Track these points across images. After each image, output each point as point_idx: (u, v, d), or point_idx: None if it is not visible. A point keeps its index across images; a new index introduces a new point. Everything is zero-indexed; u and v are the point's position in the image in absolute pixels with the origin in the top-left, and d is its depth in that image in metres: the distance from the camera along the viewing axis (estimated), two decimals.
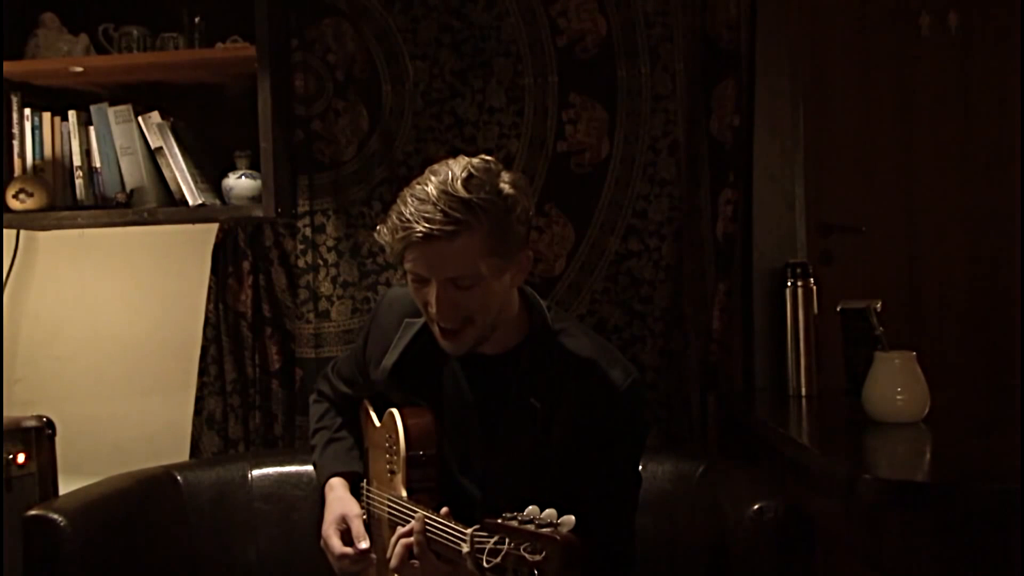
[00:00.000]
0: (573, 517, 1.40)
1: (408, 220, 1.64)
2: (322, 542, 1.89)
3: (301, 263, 2.64)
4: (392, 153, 2.64)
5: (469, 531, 1.48)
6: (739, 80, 2.58)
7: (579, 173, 2.60)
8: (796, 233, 2.68)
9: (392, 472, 1.82)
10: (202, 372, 2.68)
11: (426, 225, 1.62)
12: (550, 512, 1.42)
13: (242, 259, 2.67)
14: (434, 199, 1.63)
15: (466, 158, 1.70)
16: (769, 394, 2.60)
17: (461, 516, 1.58)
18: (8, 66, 2.56)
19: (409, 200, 1.66)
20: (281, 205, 2.53)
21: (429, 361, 1.83)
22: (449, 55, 2.62)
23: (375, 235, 1.75)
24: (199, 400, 2.69)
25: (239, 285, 2.67)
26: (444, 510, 1.62)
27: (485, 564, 1.42)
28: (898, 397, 2.09)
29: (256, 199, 2.54)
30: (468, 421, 1.81)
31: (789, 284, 2.57)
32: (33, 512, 2.00)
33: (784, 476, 2.06)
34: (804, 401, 2.52)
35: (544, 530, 1.39)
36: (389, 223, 1.68)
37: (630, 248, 2.60)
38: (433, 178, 1.66)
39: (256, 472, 2.35)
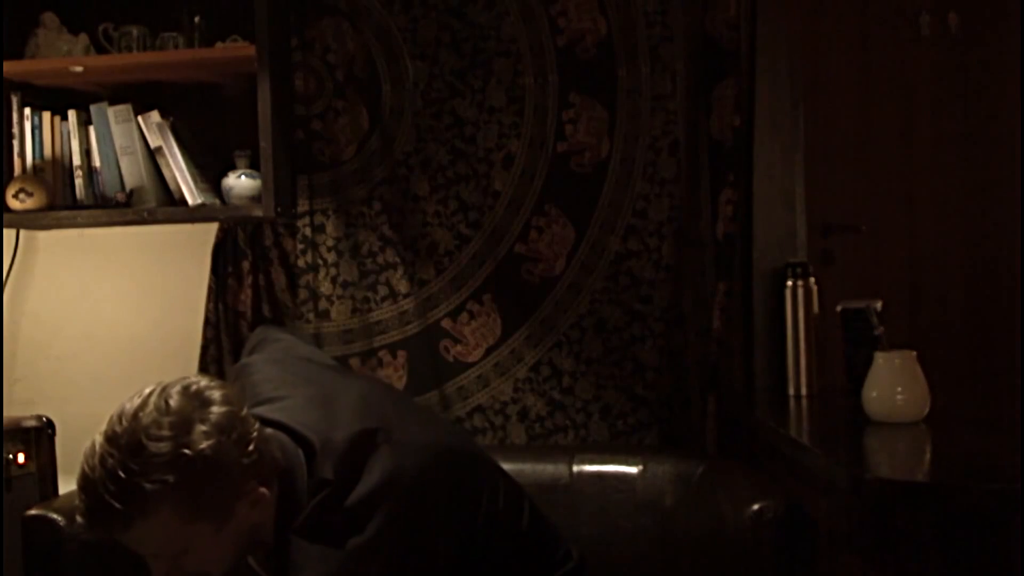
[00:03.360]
0: None
1: (83, 514, 1.49)
2: None
3: (301, 263, 2.64)
4: (392, 153, 2.64)
5: None
6: (739, 80, 2.57)
7: (579, 173, 2.60)
8: (796, 233, 2.68)
9: None
10: (202, 372, 2.68)
11: (98, 512, 1.46)
12: None
13: (242, 259, 2.67)
14: (104, 477, 1.45)
15: (149, 411, 1.49)
16: (769, 394, 2.60)
17: None
18: (8, 66, 2.56)
19: (83, 471, 1.50)
20: (281, 205, 2.53)
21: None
22: (449, 55, 2.62)
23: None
24: None
25: (239, 285, 2.67)
26: None
27: None
28: (898, 397, 2.09)
29: (256, 199, 2.54)
30: None
31: (789, 284, 2.57)
32: (33, 512, 2.01)
33: (784, 476, 2.06)
34: (804, 401, 2.51)
35: None
36: (77, 503, 1.53)
37: (630, 248, 2.60)
38: (106, 447, 1.48)
39: None
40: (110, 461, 1.44)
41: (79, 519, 1.50)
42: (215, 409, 1.49)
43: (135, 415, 1.48)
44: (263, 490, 1.54)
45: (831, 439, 2.19)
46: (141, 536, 1.47)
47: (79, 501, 1.51)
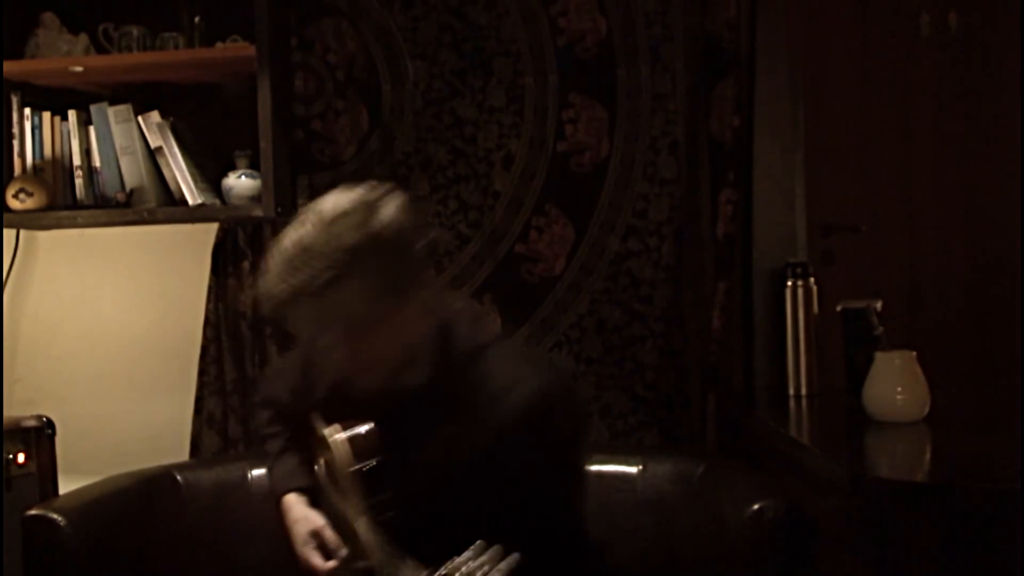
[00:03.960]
0: (516, 555, 1.38)
1: (273, 285, 1.53)
2: (301, 564, 1.84)
3: None
4: (392, 153, 2.64)
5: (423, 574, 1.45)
6: (739, 80, 2.57)
7: (579, 173, 2.60)
8: (796, 233, 2.68)
9: (339, 487, 1.76)
10: (202, 372, 2.68)
11: (294, 282, 1.50)
12: (489, 555, 1.40)
13: (242, 259, 2.67)
14: (301, 250, 1.52)
15: (338, 196, 1.58)
16: (769, 394, 2.60)
17: (409, 546, 1.57)
18: (8, 66, 2.56)
19: (275, 255, 1.55)
20: (281, 205, 2.53)
21: (350, 400, 1.75)
22: (449, 55, 2.62)
23: (256, 297, 1.65)
24: (199, 400, 2.69)
25: (239, 285, 2.67)
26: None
27: None
28: (898, 397, 2.09)
29: (256, 199, 2.54)
30: (388, 457, 1.72)
31: (789, 284, 2.57)
32: (33, 512, 2.00)
33: (784, 476, 2.06)
34: (804, 401, 2.51)
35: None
36: (260, 284, 1.57)
37: (630, 248, 2.60)
38: (299, 228, 1.55)
39: (256, 472, 2.35)
40: (307, 231, 1.52)
41: (265, 294, 1.54)
42: (396, 201, 1.59)
43: (320, 201, 1.57)
44: (431, 295, 1.63)
45: (831, 439, 2.19)
46: (328, 308, 1.51)
47: (268, 277, 1.53)
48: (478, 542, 1.42)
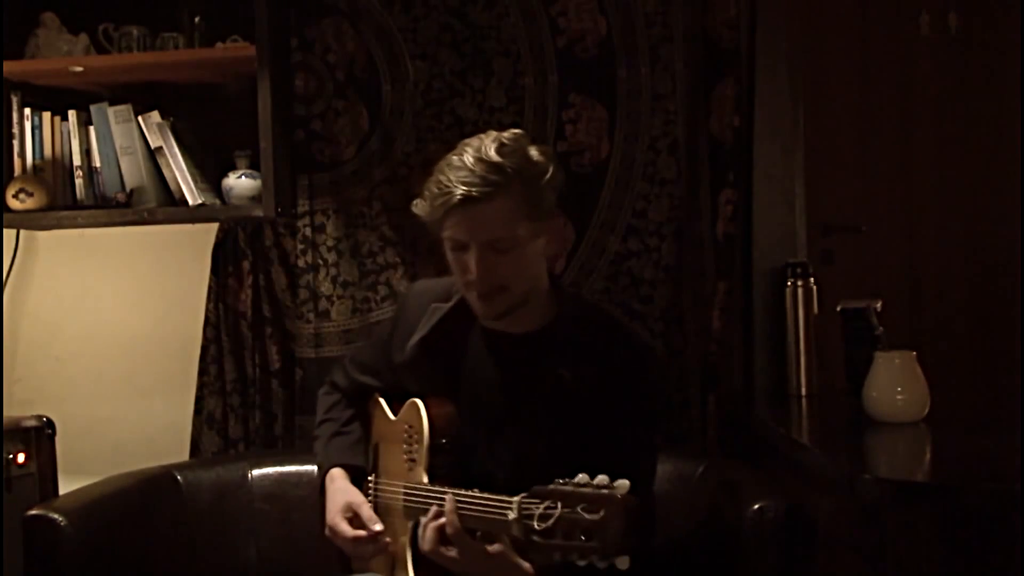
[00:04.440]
0: (628, 481, 1.41)
1: (447, 186, 1.72)
2: (328, 531, 1.89)
3: (301, 263, 2.64)
4: (392, 153, 2.63)
5: (515, 499, 1.49)
6: (739, 80, 2.57)
7: (579, 173, 2.60)
8: (796, 233, 2.68)
9: (412, 461, 1.82)
10: (202, 372, 2.68)
11: (464, 188, 1.70)
12: (602, 477, 1.43)
13: (242, 259, 2.67)
14: (470, 165, 1.72)
15: (495, 132, 1.79)
16: (769, 394, 2.60)
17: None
18: (8, 66, 2.56)
19: (446, 168, 1.74)
20: (281, 205, 2.53)
21: (455, 342, 1.88)
22: (449, 55, 2.62)
23: (412, 208, 1.81)
24: (199, 400, 2.68)
25: (239, 285, 2.67)
26: (474, 490, 1.64)
27: (536, 527, 1.42)
28: (898, 397, 2.09)
29: (256, 199, 2.54)
30: (494, 401, 1.84)
31: (789, 284, 2.57)
32: (33, 512, 2.00)
33: (784, 476, 2.06)
34: (804, 401, 2.52)
35: (603, 491, 1.39)
36: (427, 192, 1.76)
37: (630, 248, 2.60)
38: (468, 148, 1.75)
39: (256, 472, 2.35)
40: (478, 150, 1.73)
41: (431, 199, 1.74)
42: (544, 146, 1.83)
43: (480, 136, 1.79)
44: (562, 220, 1.88)
45: (831, 439, 2.20)
46: (493, 212, 1.71)
47: (445, 180, 1.73)
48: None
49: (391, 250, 2.63)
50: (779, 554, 1.85)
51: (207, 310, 2.68)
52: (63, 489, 2.34)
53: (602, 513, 1.37)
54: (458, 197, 1.70)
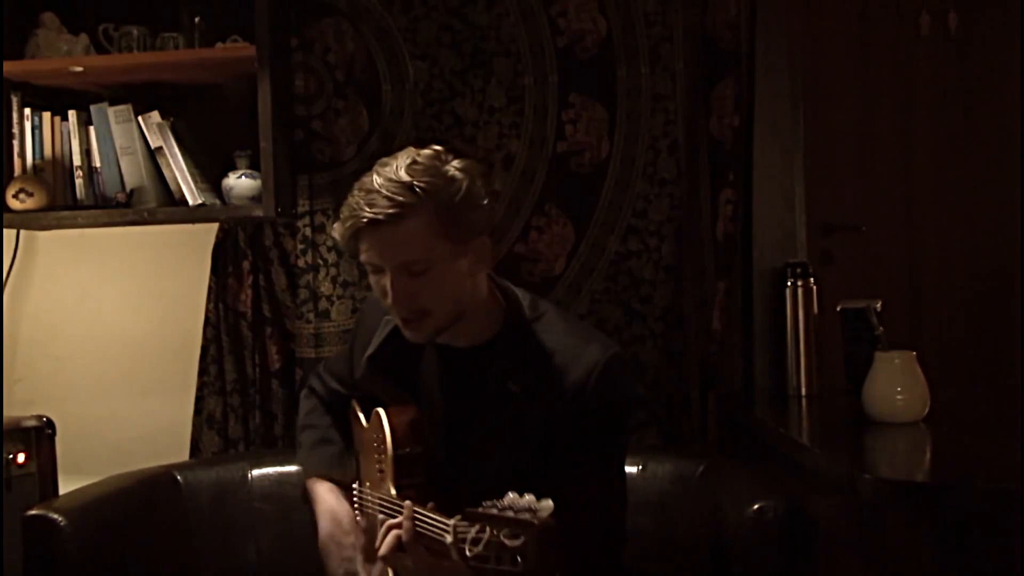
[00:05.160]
0: (551, 501, 1.40)
1: (354, 209, 1.68)
2: (322, 551, 1.89)
3: (301, 263, 2.64)
4: (392, 153, 2.63)
5: (451, 521, 1.48)
6: (739, 80, 2.58)
7: (579, 173, 2.60)
8: (796, 233, 2.68)
9: (381, 471, 1.82)
10: (202, 372, 2.68)
11: (370, 211, 1.66)
12: (529, 498, 1.42)
13: (242, 259, 2.67)
14: (378, 187, 1.67)
15: (414, 149, 1.74)
16: (769, 394, 2.60)
17: (452, 508, 1.58)
18: (8, 66, 2.56)
19: (356, 191, 1.70)
20: (281, 205, 2.53)
21: (407, 355, 1.84)
22: (449, 55, 2.62)
23: (331, 232, 1.76)
24: (199, 400, 2.69)
25: (239, 285, 2.67)
26: (430, 504, 1.62)
27: (468, 553, 1.43)
28: (898, 397, 2.10)
29: (256, 199, 2.54)
30: (444, 412, 1.82)
31: (789, 284, 2.57)
32: (33, 512, 2.00)
33: (784, 476, 2.06)
34: (804, 401, 2.52)
35: (523, 515, 1.39)
36: (341, 214, 1.71)
37: (630, 248, 2.60)
38: (380, 168, 1.71)
39: (256, 472, 2.35)
40: (389, 169, 1.69)
41: (342, 222, 1.71)
42: (468, 163, 1.75)
43: (397, 154, 1.74)
44: (487, 240, 1.76)
45: (831, 439, 2.20)
46: (403, 234, 1.66)
47: (349, 206, 1.70)
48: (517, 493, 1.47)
49: None
50: (779, 554, 1.85)
51: (207, 310, 2.68)
52: (63, 489, 2.34)
53: (522, 539, 1.37)
54: (363, 220, 1.66)
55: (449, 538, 1.48)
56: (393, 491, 1.77)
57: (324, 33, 2.62)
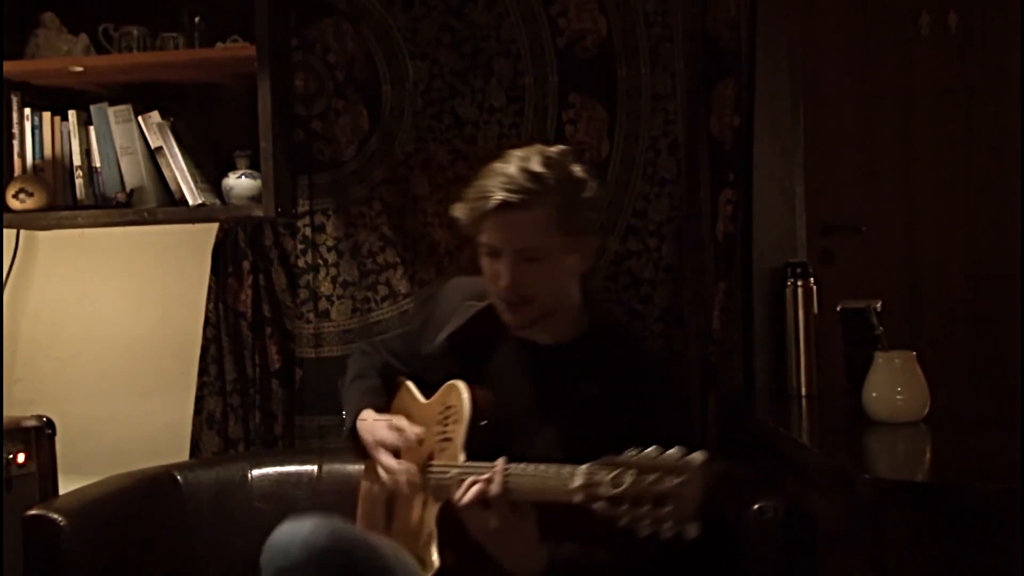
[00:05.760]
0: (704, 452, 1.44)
1: (487, 190, 1.76)
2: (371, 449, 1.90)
3: (301, 263, 2.64)
4: (392, 153, 2.64)
5: (581, 467, 1.51)
6: (739, 80, 2.57)
7: None
8: (796, 233, 2.68)
9: (447, 441, 1.83)
10: (202, 372, 2.68)
11: (503, 194, 1.74)
12: (677, 448, 1.45)
13: (242, 259, 2.67)
14: (512, 173, 1.76)
15: (542, 146, 1.84)
16: (769, 394, 2.60)
17: None
18: (8, 66, 2.56)
19: (488, 174, 1.79)
20: (281, 205, 2.53)
21: (483, 343, 1.91)
22: (449, 55, 2.62)
23: (451, 211, 1.84)
24: (199, 400, 2.69)
25: (239, 285, 2.67)
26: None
27: (604, 493, 1.44)
28: (898, 397, 2.09)
29: (256, 199, 2.54)
30: (516, 408, 1.85)
31: (789, 284, 2.57)
32: (33, 512, 2.01)
33: (784, 476, 2.06)
34: (804, 401, 2.51)
35: (682, 459, 1.41)
36: (468, 195, 1.80)
37: (630, 248, 2.60)
38: (513, 157, 1.80)
39: (256, 472, 2.35)
40: (523, 160, 1.78)
41: (470, 202, 1.79)
42: (583, 166, 1.87)
43: (526, 148, 1.84)
44: (596, 241, 1.89)
45: (831, 439, 2.19)
46: (529, 221, 1.75)
47: (486, 185, 1.77)
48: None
49: (391, 250, 2.63)
50: (779, 554, 1.84)
51: (207, 310, 2.68)
52: (63, 489, 2.34)
53: (684, 478, 1.40)
54: (496, 202, 1.74)
55: (578, 480, 1.50)
56: (463, 457, 1.79)
57: (324, 33, 2.62)
